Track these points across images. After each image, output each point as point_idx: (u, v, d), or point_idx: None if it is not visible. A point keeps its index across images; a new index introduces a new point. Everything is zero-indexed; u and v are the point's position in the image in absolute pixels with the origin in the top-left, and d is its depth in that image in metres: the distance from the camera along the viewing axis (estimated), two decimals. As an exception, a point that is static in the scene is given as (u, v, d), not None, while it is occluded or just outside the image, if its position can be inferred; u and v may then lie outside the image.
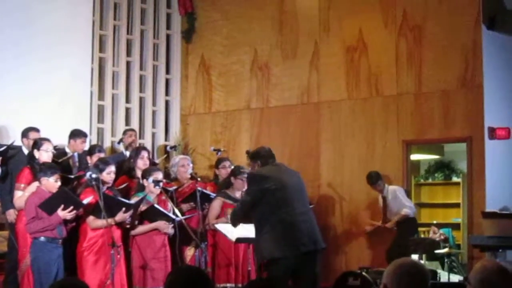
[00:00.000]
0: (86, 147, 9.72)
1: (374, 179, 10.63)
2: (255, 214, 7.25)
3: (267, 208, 7.10)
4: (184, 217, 8.67)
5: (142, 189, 8.48)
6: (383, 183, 10.63)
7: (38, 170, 8.02)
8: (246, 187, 8.98)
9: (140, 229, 8.39)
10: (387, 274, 3.85)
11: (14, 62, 10.32)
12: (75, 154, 9.53)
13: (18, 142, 9.14)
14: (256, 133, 12.22)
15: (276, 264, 6.99)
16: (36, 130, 9.26)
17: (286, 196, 7.13)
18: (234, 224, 7.54)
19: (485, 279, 3.82)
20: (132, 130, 11.21)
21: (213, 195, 9.33)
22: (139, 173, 8.92)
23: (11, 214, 8.59)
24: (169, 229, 8.43)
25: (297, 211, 7.15)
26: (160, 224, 8.39)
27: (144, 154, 9.23)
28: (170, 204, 8.57)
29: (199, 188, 9.05)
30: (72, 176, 8.72)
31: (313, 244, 7.15)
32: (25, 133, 9.21)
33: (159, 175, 8.51)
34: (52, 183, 7.84)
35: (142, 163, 9.10)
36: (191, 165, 9.82)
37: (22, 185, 8.27)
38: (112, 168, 8.18)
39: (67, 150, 9.53)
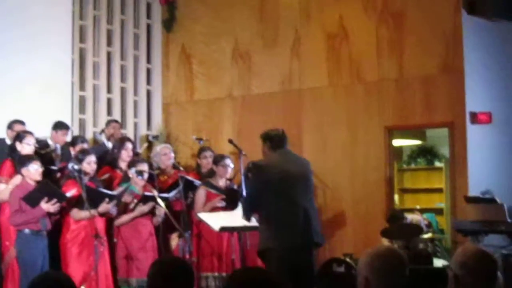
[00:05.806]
0: (69, 138, 9.67)
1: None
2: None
3: (267, 199, 7.01)
4: (169, 194, 8.70)
5: (127, 180, 8.48)
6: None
7: (17, 163, 7.98)
8: (228, 174, 9.09)
9: (125, 218, 8.39)
10: (365, 265, 3.76)
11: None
12: (57, 145, 9.48)
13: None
14: (238, 121, 12.19)
15: (269, 255, 6.96)
16: (22, 122, 9.19)
17: (287, 187, 7.03)
18: (247, 218, 7.30)
19: (466, 262, 3.82)
20: (116, 121, 11.06)
21: (197, 182, 9.32)
22: (122, 164, 8.93)
23: None
24: (157, 209, 8.44)
25: (297, 202, 7.04)
26: (144, 208, 8.41)
27: (129, 145, 9.24)
28: (155, 193, 8.56)
29: (181, 175, 9.05)
30: (56, 168, 8.68)
31: (309, 238, 7.07)
32: (10, 125, 9.16)
33: (144, 167, 8.51)
34: (32, 171, 7.82)
35: (126, 154, 9.11)
36: (173, 154, 9.82)
37: (4, 178, 8.21)
38: (92, 158, 8.20)
39: (50, 142, 9.46)
